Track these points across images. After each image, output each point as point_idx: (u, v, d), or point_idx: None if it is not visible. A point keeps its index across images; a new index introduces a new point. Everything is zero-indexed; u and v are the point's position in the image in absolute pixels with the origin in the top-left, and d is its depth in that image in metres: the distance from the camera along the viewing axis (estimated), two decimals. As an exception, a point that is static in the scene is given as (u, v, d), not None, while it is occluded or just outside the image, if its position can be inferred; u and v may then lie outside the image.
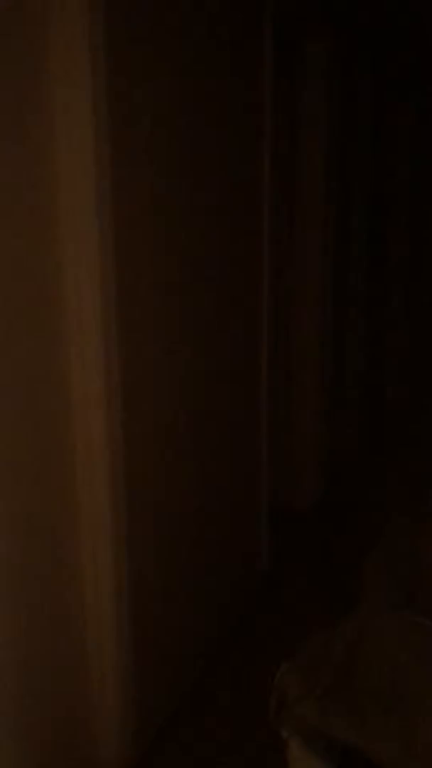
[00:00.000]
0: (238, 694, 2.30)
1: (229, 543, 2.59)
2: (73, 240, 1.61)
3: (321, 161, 3.34)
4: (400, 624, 1.69)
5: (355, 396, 4.33)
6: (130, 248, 1.76)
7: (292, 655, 1.81)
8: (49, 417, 1.65)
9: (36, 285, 1.57)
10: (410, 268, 5.67)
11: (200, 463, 2.26)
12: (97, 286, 1.63)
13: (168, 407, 2.03)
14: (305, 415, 3.55)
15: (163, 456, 2.02)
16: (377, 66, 4.04)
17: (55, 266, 1.61)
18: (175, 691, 2.21)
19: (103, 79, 1.54)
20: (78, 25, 1.44)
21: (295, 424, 3.54)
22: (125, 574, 1.84)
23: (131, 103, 1.72)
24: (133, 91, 1.72)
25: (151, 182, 1.86)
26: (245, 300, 2.61)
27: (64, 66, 1.48)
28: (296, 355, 3.46)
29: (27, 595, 1.61)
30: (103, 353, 1.67)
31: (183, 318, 2.10)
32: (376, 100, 4.15)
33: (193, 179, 2.10)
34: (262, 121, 2.60)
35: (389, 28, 3.89)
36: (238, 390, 2.59)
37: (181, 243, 2.05)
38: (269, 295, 2.75)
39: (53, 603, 1.71)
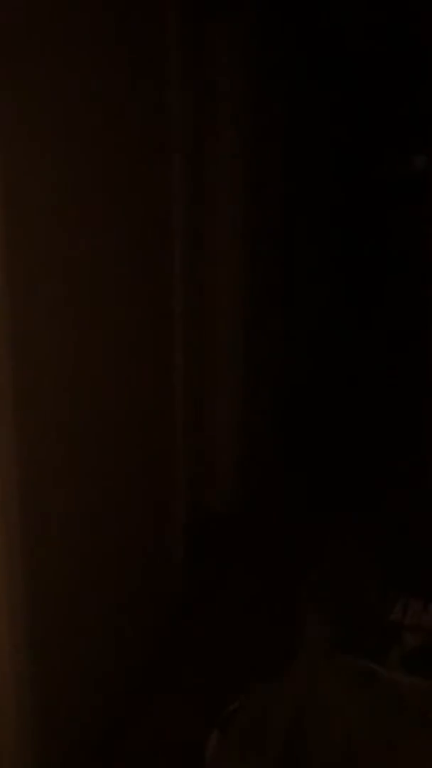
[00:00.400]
0: (152, 755, 1.99)
1: (142, 567, 2.28)
2: None
3: (234, 154, 3.08)
4: (350, 678, 1.45)
5: (270, 392, 4.12)
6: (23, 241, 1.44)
7: (223, 720, 1.55)
8: None
9: None
10: (321, 257, 5.61)
11: (107, 474, 1.95)
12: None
13: (70, 411, 1.71)
14: (220, 409, 3.29)
15: (64, 471, 1.70)
16: (293, 58, 3.83)
17: None
18: (80, 755, 1.89)
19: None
20: None
21: (209, 418, 3.28)
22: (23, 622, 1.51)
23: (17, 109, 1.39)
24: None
25: (46, 186, 1.54)
26: (155, 303, 2.32)
27: None
28: (210, 355, 3.20)
29: None
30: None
31: (90, 318, 1.79)
32: (292, 91, 3.94)
33: (93, 179, 1.77)
34: (171, 114, 2.31)
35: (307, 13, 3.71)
36: (150, 385, 2.30)
37: (82, 250, 1.73)
38: (182, 295, 2.47)
39: None
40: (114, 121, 1.90)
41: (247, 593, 2.73)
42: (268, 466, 3.95)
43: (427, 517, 2.94)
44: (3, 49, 1.33)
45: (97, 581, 1.91)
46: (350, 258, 6.44)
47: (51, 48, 1.54)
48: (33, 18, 1.45)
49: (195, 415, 2.99)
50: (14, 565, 1.46)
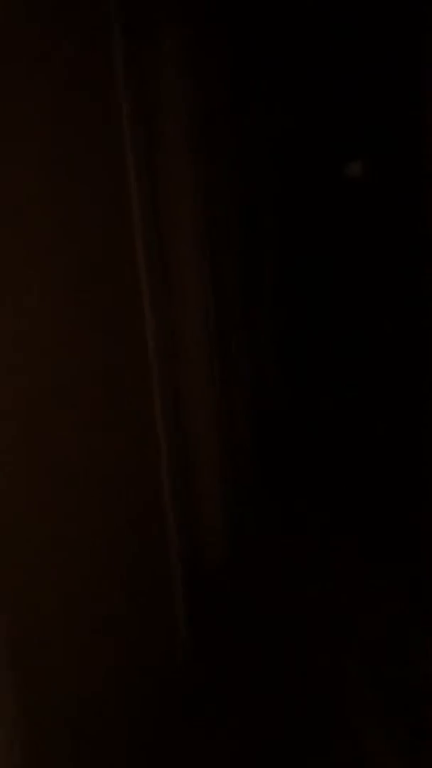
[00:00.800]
0: None
1: (143, 638, 2.06)
2: None
3: (186, 163, 2.89)
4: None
5: (247, 431, 3.94)
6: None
7: None
8: None
9: None
10: (279, 275, 5.50)
11: (97, 547, 1.74)
12: None
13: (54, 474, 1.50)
14: (202, 459, 3.08)
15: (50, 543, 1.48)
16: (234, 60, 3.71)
17: None
18: None
19: None
20: None
21: (192, 472, 3.07)
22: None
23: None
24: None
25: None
26: (129, 345, 2.12)
27: None
28: (186, 397, 3.00)
29: None
30: None
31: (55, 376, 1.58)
32: (235, 102, 3.81)
33: (45, 205, 1.58)
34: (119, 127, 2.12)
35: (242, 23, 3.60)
36: (132, 440, 2.09)
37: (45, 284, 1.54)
38: (155, 348, 2.28)
39: None
40: (62, 139, 1.71)
41: (256, 658, 2.50)
42: (255, 510, 3.74)
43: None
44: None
45: (96, 653, 1.70)
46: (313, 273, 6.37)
47: None
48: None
49: (180, 468, 2.80)
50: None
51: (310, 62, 4.84)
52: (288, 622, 2.61)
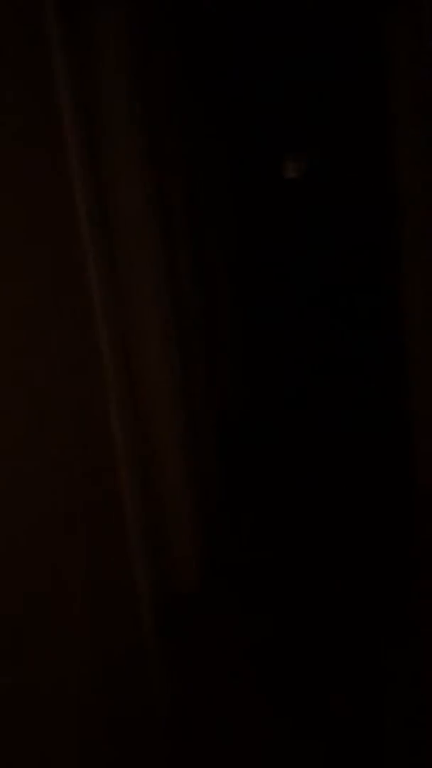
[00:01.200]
0: None
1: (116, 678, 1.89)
2: None
3: (133, 158, 2.74)
4: None
5: (212, 438, 3.79)
6: None
7: None
8: None
9: None
10: (234, 283, 5.39)
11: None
12: None
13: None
14: (167, 480, 2.91)
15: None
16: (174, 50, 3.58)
17: None
18: None
19: None
20: None
21: (158, 489, 2.90)
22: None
23: None
24: None
25: None
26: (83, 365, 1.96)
27: None
28: (146, 412, 2.83)
29: None
30: None
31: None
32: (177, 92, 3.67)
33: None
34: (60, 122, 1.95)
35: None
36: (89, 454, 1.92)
37: None
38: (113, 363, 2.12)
39: None
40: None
41: (236, 683, 2.34)
42: (227, 528, 3.58)
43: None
44: None
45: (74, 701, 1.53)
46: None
47: None
48: None
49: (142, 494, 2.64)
50: None
51: (261, 57, 4.78)
52: (266, 645, 2.47)
